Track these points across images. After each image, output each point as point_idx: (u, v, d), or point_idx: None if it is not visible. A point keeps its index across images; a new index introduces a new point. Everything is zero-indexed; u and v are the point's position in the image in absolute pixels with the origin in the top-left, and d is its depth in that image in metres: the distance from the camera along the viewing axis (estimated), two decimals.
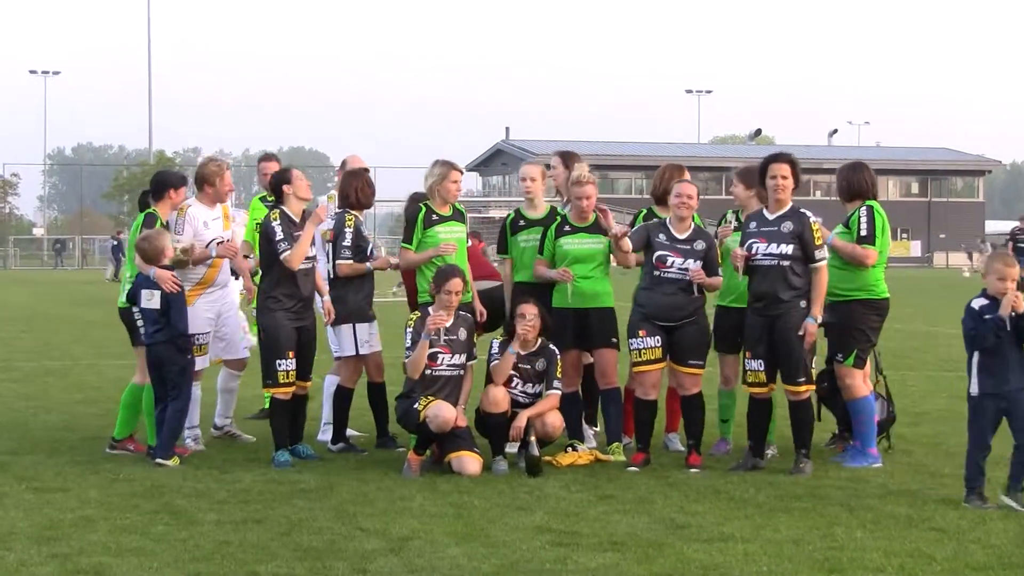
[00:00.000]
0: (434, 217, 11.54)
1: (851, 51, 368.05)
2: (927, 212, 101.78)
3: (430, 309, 10.83)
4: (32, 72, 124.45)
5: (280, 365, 11.08)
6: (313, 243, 11.23)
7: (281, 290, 11.11)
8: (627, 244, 10.94)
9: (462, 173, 11.78)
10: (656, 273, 10.84)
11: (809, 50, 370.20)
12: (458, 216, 11.70)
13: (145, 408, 11.36)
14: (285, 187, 11.35)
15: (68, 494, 9.68)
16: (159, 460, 10.80)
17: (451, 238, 11.47)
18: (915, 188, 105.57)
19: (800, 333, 10.43)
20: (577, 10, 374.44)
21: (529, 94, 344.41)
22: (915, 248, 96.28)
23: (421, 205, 11.60)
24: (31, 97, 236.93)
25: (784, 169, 10.67)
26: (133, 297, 11.17)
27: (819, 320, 10.50)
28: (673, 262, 10.80)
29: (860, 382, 10.97)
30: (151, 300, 10.99)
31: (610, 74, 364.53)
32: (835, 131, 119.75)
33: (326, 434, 12.07)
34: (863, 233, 10.87)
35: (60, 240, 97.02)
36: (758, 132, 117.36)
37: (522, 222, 11.67)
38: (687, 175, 11.71)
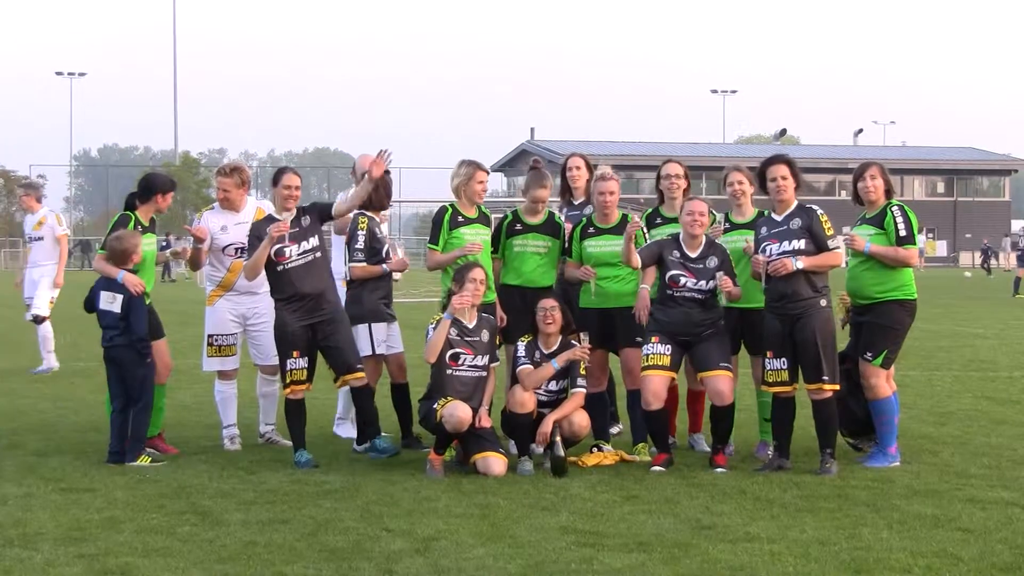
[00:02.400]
0: (460, 219, 11.56)
1: (876, 50, 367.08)
2: (953, 212, 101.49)
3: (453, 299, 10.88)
4: (58, 73, 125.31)
5: (288, 364, 11.08)
6: (310, 237, 11.11)
7: (280, 290, 11.12)
8: (636, 260, 10.95)
9: (488, 173, 11.78)
10: (669, 292, 10.86)
11: (834, 50, 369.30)
12: (483, 219, 11.70)
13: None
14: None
15: (95, 495, 9.72)
16: (129, 463, 10.86)
17: (476, 240, 11.49)
18: (941, 187, 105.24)
19: (795, 267, 10.40)
20: (602, 11, 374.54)
21: (554, 95, 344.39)
22: (941, 248, 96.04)
23: (447, 206, 11.62)
24: (57, 98, 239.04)
25: (782, 170, 10.70)
26: (91, 302, 11.26)
27: (799, 267, 10.42)
28: (686, 283, 10.81)
29: (884, 382, 10.95)
30: (112, 303, 11.06)
31: (635, 74, 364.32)
32: (861, 131, 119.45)
33: (340, 428, 12.16)
34: (903, 234, 10.84)
35: (82, 241, 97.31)
36: (783, 132, 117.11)
37: (519, 226, 11.68)
38: (676, 168, 11.74)
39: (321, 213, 11.28)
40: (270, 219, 11.15)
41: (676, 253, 10.90)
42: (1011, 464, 10.94)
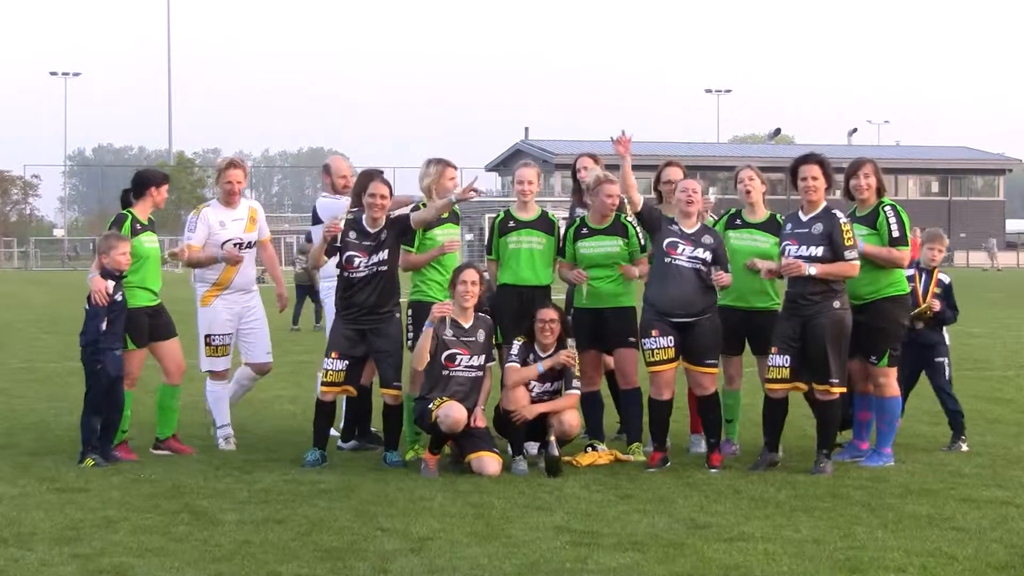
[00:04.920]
0: None
1: (871, 50, 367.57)
2: (947, 211, 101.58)
3: (433, 306, 10.93)
4: (52, 73, 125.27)
5: (325, 363, 11.17)
6: (381, 251, 11.09)
7: (340, 292, 11.23)
8: (636, 196, 10.90)
9: (456, 169, 11.66)
10: (666, 260, 10.79)
11: (829, 49, 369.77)
12: (453, 218, 11.66)
13: (159, 402, 11.53)
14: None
15: (89, 494, 9.71)
16: (79, 463, 10.89)
17: (455, 240, 11.48)
18: (935, 187, 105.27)
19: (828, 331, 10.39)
20: (596, 10, 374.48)
21: (548, 94, 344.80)
22: None
23: (419, 205, 11.58)
24: (51, 98, 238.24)
25: (814, 170, 10.67)
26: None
27: (812, 273, 10.39)
28: (684, 249, 10.76)
29: (894, 381, 10.96)
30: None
31: (629, 74, 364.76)
32: (855, 130, 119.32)
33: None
34: (896, 235, 10.83)
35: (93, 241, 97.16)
36: (778, 131, 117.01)
37: (512, 223, 11.58)
38: (677, 172, 11.76)
39: (402, 228, 11.23)
40: (356, 221, 11.23)
41: (674, 227, 10.89)
42: (1005, 463, 10.95)
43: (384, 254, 11.11)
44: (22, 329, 26.46)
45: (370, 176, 11.42)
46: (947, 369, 11.87)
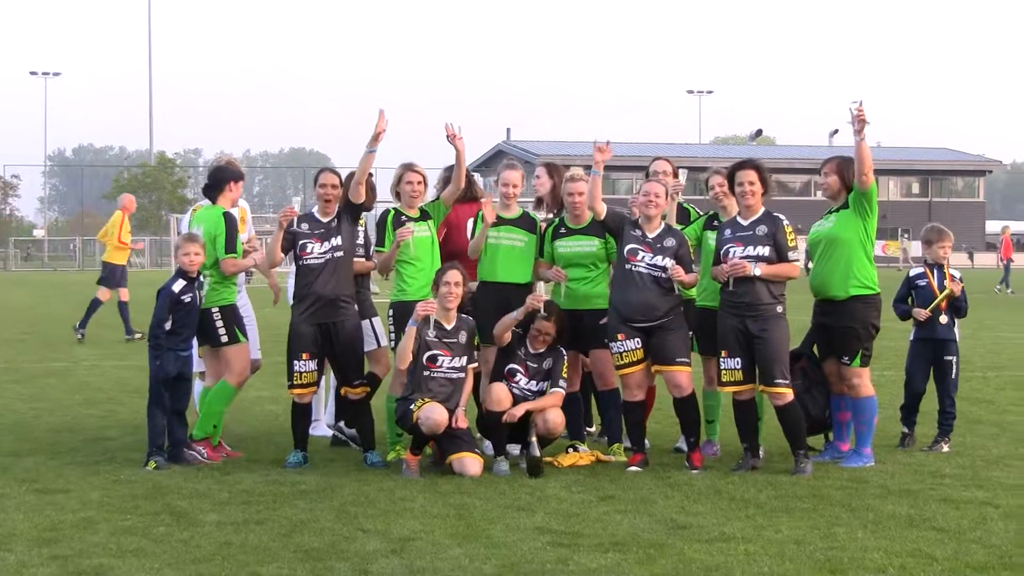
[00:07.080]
0: (403, 219, 11.50)
1: (852, 51, 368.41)
2: (928, 212, 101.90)
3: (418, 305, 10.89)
4: (32, 73, 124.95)
5: (296, 366, 11.08)
6: (334, 237, 11.10)
7: (297, 286, 11.18)
8: (600, 207, 10.93)
9: (420, 174, 11.62)
10: (627, 267, 10.85)
11: (810, 51, 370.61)
12: (424, 217, 11.62)
13: (207, 402, 11.34)
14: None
15: (69, 495, 9.68)
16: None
17: (418, 236, 11.43)
18: (916, 188, 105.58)
19: (752, 275, 10.45)
20: (578, 10, 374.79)
21: (530, 95, 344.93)
22: (916, 248, 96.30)
23: (390, 209, 11.59)
24: (32, 98, 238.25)
25: (750, 176, 10.74)
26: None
27: (756, 273, 10.46)
28: (643, 256, 10.80)
29: (868, 381, 10.99)
30: None
31: (611, 74, 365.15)
32: (836, 131, 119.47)
33: (314, 429, 12.10)
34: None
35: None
36: (759, 132, 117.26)
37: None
38: (665, 165, 11.76)
39: (351, 208, 11.26)
40: (307, 214, 11.28)
41: (636, 232, 10.91)
42: (985, 464, 10.98)
43: (338, 239, 11.13)
44: (2, 330, 26.38)
45: (322, 169, 11.58)
46: (954, 368, 11.93)
